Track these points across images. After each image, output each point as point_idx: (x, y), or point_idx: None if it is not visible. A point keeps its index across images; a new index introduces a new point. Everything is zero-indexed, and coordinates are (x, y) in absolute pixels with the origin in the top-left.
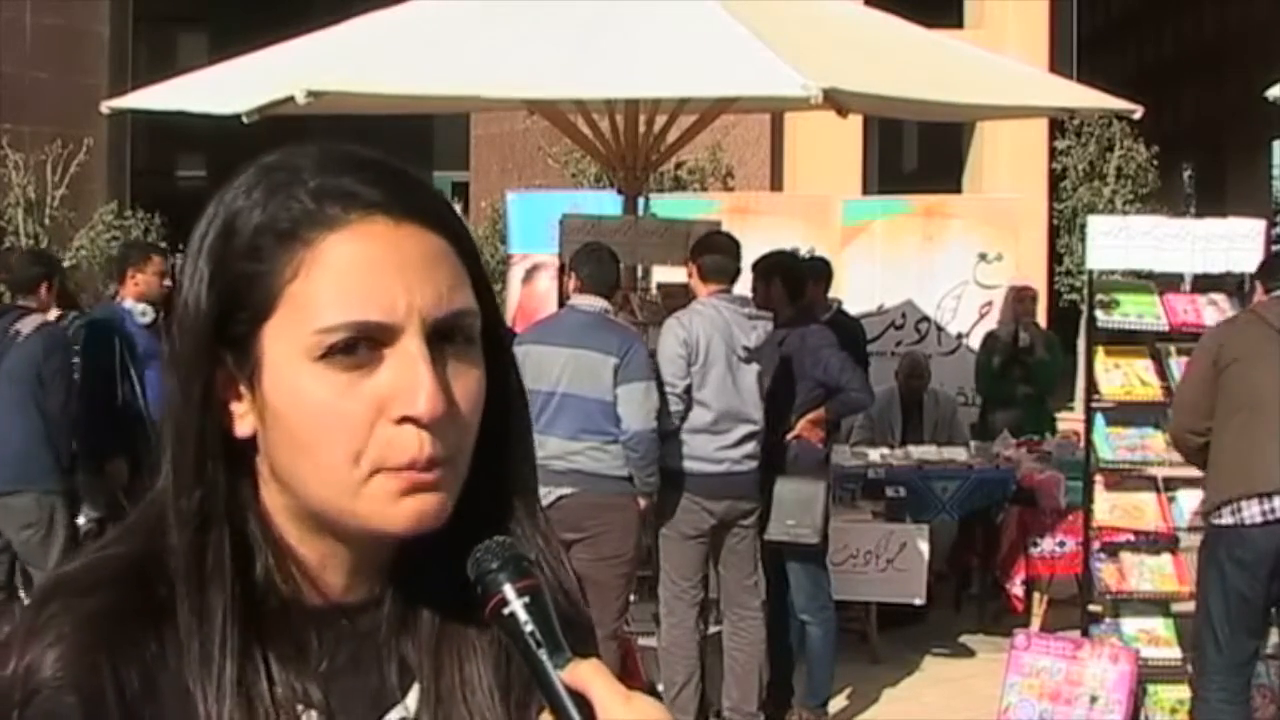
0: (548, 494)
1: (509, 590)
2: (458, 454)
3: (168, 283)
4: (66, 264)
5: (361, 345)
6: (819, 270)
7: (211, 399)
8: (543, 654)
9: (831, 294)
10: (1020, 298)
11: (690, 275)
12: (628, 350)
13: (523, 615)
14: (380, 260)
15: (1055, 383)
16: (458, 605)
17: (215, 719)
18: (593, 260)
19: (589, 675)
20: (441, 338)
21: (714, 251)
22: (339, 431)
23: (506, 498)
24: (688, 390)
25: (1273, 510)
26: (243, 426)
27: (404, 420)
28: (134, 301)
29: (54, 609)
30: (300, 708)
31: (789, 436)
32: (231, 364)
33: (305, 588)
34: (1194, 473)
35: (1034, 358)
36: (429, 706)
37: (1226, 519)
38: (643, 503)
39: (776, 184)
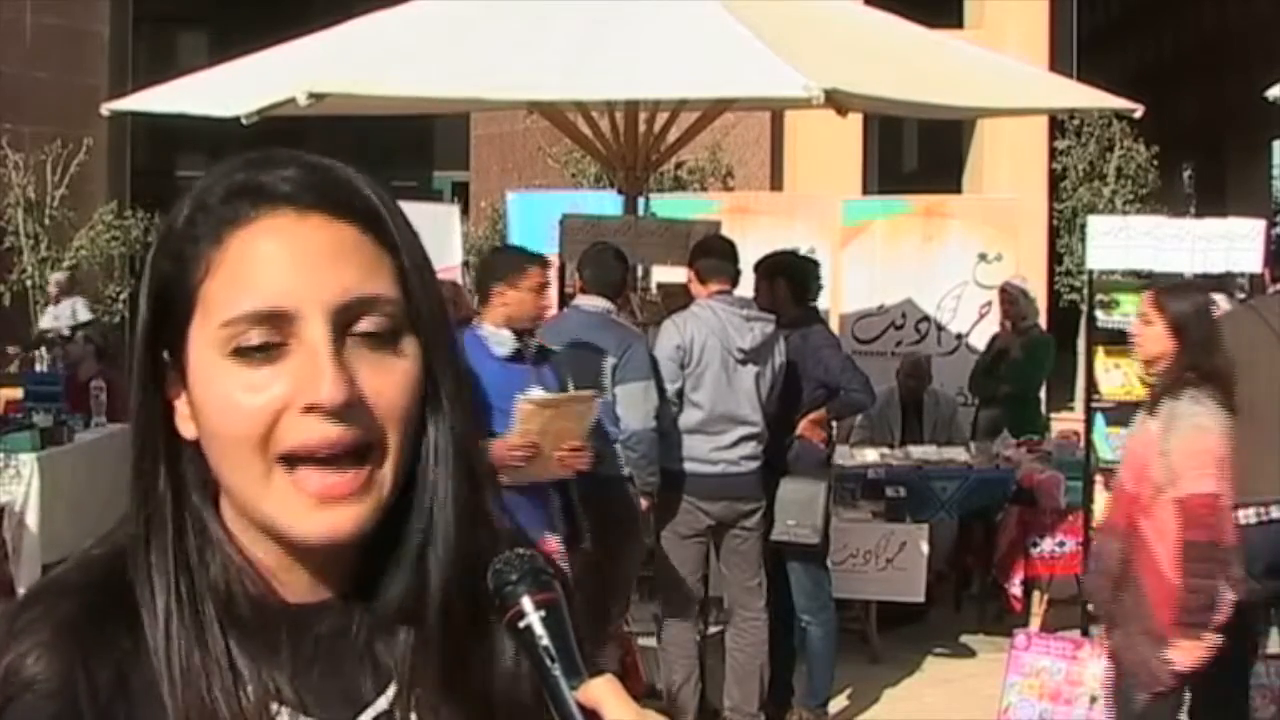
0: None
1: (526, 603)
2: (375, 446)
3: (544, 301)
4: (66, 264)
5: (270, 342)
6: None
7: (158, 400)
8: (556, 669)
9: (831, 295)
10: (1001, 299)
11: (690, 280)
12: (626, 350)
13: (539, 629)
14: (277, 253)
15: (1031, 382)
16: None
17: (177, 708)
18: (596, 261)
19: (602, 693)
20: (353, 327)
21: (711, 255)
22: (246, 425)
23: (460, 489)
24: (679, 393)
25: (1267, 513)
26: (187, 429)
27: (309, 410)
28: (495, 327)
29: (34, 613)
30: (275, 705)
31: (791, 436)
32: (171, 367)
33: (270, 589)
34: None
35: (1008, 358)
36: (404, 706)
37: None
38: (644, 503)
39: (776, 184)
